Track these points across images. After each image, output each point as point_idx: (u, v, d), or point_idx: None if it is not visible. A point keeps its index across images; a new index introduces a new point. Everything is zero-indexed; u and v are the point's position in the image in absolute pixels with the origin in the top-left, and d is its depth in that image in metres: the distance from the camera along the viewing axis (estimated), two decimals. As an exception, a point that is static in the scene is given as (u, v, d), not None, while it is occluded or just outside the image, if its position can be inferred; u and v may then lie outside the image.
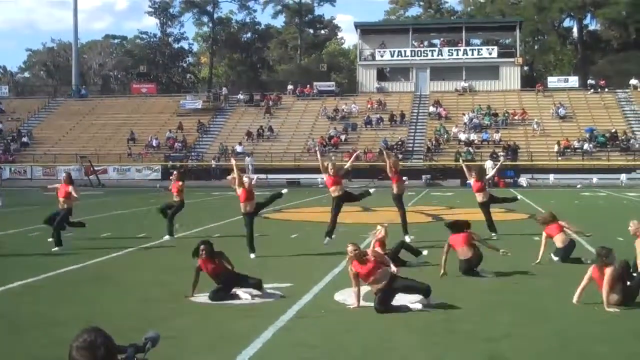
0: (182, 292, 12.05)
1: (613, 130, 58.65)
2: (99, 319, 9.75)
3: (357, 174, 55.02)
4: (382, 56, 73.99)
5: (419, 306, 10.85)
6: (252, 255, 15.71)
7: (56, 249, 17.27)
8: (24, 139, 67.44)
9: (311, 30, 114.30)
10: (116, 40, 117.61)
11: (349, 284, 12.38)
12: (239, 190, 16.22)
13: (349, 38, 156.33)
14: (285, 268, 14.49)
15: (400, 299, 10.92)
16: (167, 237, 19.20)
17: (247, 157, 56.88)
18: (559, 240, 15.29)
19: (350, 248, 11.12)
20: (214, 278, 11.72)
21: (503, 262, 14.23)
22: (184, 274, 13.71)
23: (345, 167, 19.82)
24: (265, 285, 12.33)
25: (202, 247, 11.71)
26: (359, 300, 10.94)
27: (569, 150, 57.23)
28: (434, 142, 59.66)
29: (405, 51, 73.37)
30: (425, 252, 15.11)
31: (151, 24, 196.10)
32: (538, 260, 14.71)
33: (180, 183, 20.04)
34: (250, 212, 16.11)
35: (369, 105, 67.85)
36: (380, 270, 10.99)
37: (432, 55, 73.48)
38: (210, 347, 8.81)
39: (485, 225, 19.35)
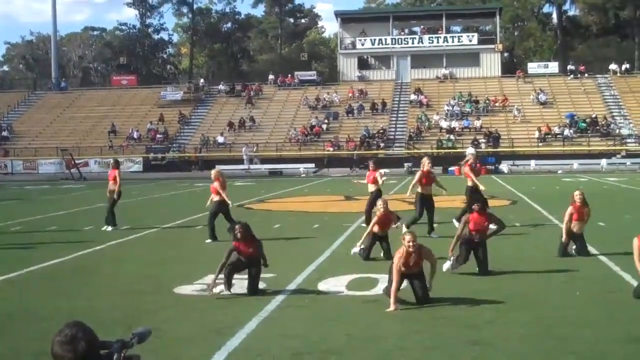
0: (165, 284, 12.04)
1: (593, 116, 58.91)
2: (83, 312, 9.72)
3: (338, 163, 55.24)
4: (362, 44, 73.98)
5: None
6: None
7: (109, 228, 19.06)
8: (4, 133, 66.94)
9: (291, 20, 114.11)
10: (96, 32, 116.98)
11: (333, 274, 12.44)
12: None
13: (330, 27, 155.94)
14: (268, 258, 14.46)
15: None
16: (108, 228, 19.26)
17: (244, 147, 56.96)
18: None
19: (408, 238, 10.29)
20: (247, 261, 11.29)
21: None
22: (167, 266, 13.72)
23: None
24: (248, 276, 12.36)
25: (237, 227, 11.36)
26: (396, 301, 10.16)
27: (549, 136, 57.46)
28: (415, 130, 59.73)
29: (385, 39, 73.36)
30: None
31: (131, 15, 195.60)
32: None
33: (117, 171, 19.85)
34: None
35: (350, 94, 67.83)
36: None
37: (413, 43, 73.45)
38: (194, 339, 8.80)
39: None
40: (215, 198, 17.50)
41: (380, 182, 19.50)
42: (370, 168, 19.74)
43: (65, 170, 54.49)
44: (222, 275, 11.11)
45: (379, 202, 14.77)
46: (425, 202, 17.89)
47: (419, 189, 18.07)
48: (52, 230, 18.85)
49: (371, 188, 19.43)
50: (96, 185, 41.69)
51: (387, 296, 10.26)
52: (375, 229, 14.23)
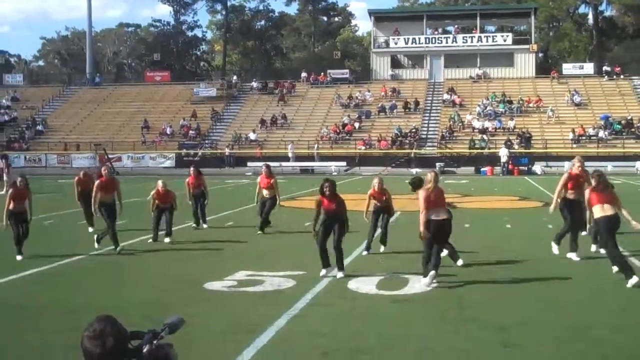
0: (195, 280, 12.09)
1: (629, 118, 58.23)
2: (113, 306, 9.79)
3: (370, 161, 55.16)
4: (396, 43, 73.71)
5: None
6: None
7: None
8: (39, 127, 67.66)
9: (325, 18, 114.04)
10: (130, 29, 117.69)
11: (363, 272, 12.44)
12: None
13: (363, 25, 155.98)
14: (298, 256, 14.47)
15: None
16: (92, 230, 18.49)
17: (289, 145, 57.14)
18: None
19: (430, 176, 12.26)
20: (330, 216, 12.46)
21: (518, 251, 14.20)
22: (197, 262, 13.75)
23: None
24: (278, 273, 12.39)
25: (326, 184, 12.36)
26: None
27: (583, 137, 56.90)
28: (448, 129, 59.46)
29: (419, 38, 73.04)
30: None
31: (165, 11, 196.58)
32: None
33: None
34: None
35: (382, 93, 67.65)
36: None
37: (447, 42, 73.05)
38: (224, 335, 8.82)
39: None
40: (266, 193, 18.23)
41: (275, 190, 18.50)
42: (264, 173, 18.56)
43: (98, 165, 54.86)
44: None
45: (375, 180, 15.35)
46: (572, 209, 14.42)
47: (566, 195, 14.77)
48: (84, 225, 18.97)
49: (267, 194, 18.49)
50: (129, 181, 41.96)
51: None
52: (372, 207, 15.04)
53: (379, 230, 15.07)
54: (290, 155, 56.07)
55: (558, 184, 14.39)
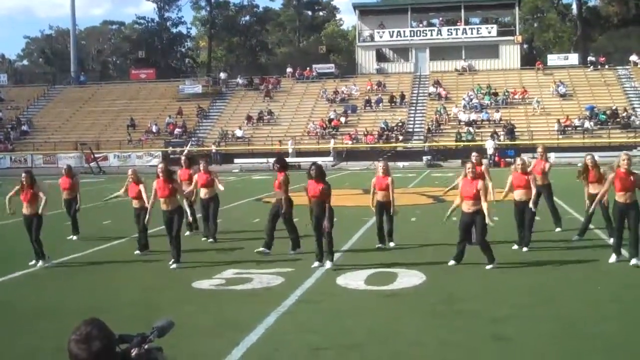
0: (184, 279, 12.05)
1: (614, 108, 58.41)
2: (101, 308, 9.74)
3: (357, 156, 55.15)
4: (381, 37, 73.68)
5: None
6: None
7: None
8: (24, 127, 67.29)
9: (309, 12, 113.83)
10: (114, 26, 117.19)
11: (351, 268, 12.44)
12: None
13: (348, 19, 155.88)
14: (286, 252, 14.43)
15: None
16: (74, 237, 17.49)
17: (290, 141, 57.07)
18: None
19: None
20: (315, 204, 12.88)
21: (507, 245, 14.23)
22: (185, 261, 13.69)
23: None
24: (266, 271, 12.37)
25: (312, 167, 12.89)
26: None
27: (569, 128, 57.07)
28: (434, 122, 59.51)
29: (404, 31, 73.01)
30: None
31: (149, 9, 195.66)
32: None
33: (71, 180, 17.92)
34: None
35: (368, 87, 67.62)
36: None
37: (431, 35, 73.03)
38: (213, 334, 8.79)
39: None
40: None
41: (220, 188, 16.96)
42: (202, 169, 16.94)
43: (84, 164, 54.73)
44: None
45: (379, 164, 15.26)
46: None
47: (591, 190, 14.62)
48: (70, 225, 18.87)
49: (205, 193, 16.69)
50: (115, 179, 41.81)
51: None
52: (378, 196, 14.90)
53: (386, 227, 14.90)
54: (290, 151, 55.89)
55: (603, 187, 13.01)
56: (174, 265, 13.13)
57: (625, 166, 12.28)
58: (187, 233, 17.06)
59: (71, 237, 17.30)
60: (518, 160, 14.57)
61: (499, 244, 13.61)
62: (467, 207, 12.38)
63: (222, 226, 17.26)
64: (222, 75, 76.60)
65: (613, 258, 12.61)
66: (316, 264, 12.59)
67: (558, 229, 16.47)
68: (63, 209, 18.14)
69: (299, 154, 56.24)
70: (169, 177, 13.53)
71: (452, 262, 12.63)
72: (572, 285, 11.17)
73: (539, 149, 16.18)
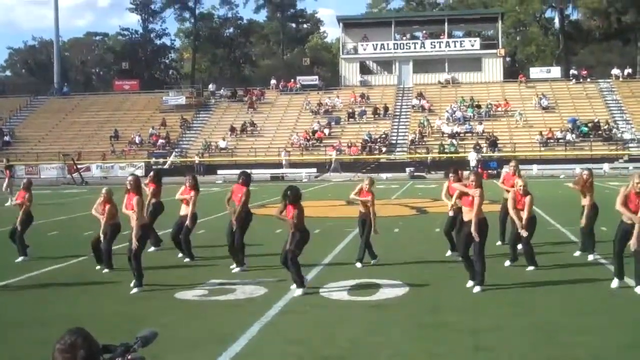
0: (166, 289, 12.02)
1: (596, 120, 58.85)
2: (84, 318, 9.71)
3: (342, 167, 55.23)
4: (364, 49, 73.90)
5: None
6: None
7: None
8: (6, 138, 66.98)
9: (293, 25, 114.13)
10: (98, 37, 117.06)
11: (334, 279, 12.45)
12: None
13: (332, 32, 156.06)
14: (269, 263, 14.42)
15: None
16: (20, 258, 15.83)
17: (282, 152, 56.98)
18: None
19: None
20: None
21: (491, 255, 14.26)
22: (169, 271, 13.67)
23: None
24: (250, 281, 12.36)
25: (288, 192, 11.80)
26: None
27: (551, 140, 57.40)
28: (417, 134, 59.69)
29: (387, 44, 73.29)
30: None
31: (133, 20, 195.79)
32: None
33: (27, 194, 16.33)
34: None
35: (352, 99, 67.79)
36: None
37: (415, 48, 73.38)
38: (195, 344, 8.77)
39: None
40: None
41: (190, 208, 15.44)
42: (187, 184, 15.98)
43: (67, 175, 54.51)
44: None
45: (365, 181, 14.49)
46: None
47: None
48: (53, 235, 18.81)
49: (185, 210, 15.77)
50: (98, 190, 41.77)
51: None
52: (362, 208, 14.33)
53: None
54: (283, 162, 55.84)
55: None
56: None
57: (637, 189, 11.44)
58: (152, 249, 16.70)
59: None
60: (520, 182, 13.88)
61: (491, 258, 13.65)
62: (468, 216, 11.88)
63: (205, 238, 17.24)
64: (211, 87, 76.39)
65: (615, 283, 11.80)
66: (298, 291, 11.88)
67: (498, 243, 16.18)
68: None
69: (282, 165, 56.28)
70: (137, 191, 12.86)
71: (472, 285, 11.81)
72: (553, 297, 11.22)
73: (512, 163, 15.87)
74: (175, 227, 15.65)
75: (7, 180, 35.17)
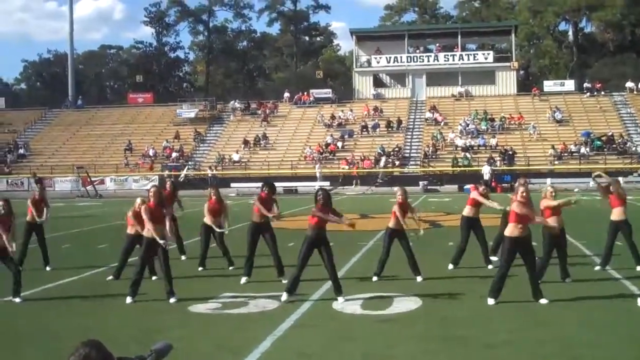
0: (181, 303, 12.03)
1: (610, 134, 58.63)
2: (97, 330, 9.73)
3: (353, 181, 55.17)
4: (378, 62, 73.96)
5: None
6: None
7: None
8: (21, 151, 67.37)
9: (307, 38, 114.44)
10: (112, 51, 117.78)
11: (347, 293, 12.42)
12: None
13: (345, 45, 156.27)
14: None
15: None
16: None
17: (316, 165, 57.13)
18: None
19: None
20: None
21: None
22: (182, 283, 13.68)
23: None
24: (262, 294, 12.35)
25: (319, 192, 12.32)
26: None
27: (565, 154, 57.22)
28: (430, 147, 59.63)
29: (401, 57, 73.32)
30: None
31: (147, 33, 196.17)
32: None
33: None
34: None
35: (365, 112, 67.81)
36: None
37: (428, 61, 73.35)
38: (209, 358, 8.78)
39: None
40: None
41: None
42: (213, 197, 16.07)
43: (81, 188, 54.73)
44: None
45: (398, 190, 15.09)
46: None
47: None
48: (67, 248, 18.87)
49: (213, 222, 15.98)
50: (112, 203, 41.83)
51: None
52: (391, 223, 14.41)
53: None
54: (317, 175, 55.61)
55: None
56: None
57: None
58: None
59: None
60: (549, 188, 14.09)
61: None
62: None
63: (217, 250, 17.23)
64: (237, 104, 74.42)
65: None
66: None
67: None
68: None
69: (295, 178, 56.27)
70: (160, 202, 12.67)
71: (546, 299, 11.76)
72: (566, 311, 11.16)
73: (520, 180, 15.47)
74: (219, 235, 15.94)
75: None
